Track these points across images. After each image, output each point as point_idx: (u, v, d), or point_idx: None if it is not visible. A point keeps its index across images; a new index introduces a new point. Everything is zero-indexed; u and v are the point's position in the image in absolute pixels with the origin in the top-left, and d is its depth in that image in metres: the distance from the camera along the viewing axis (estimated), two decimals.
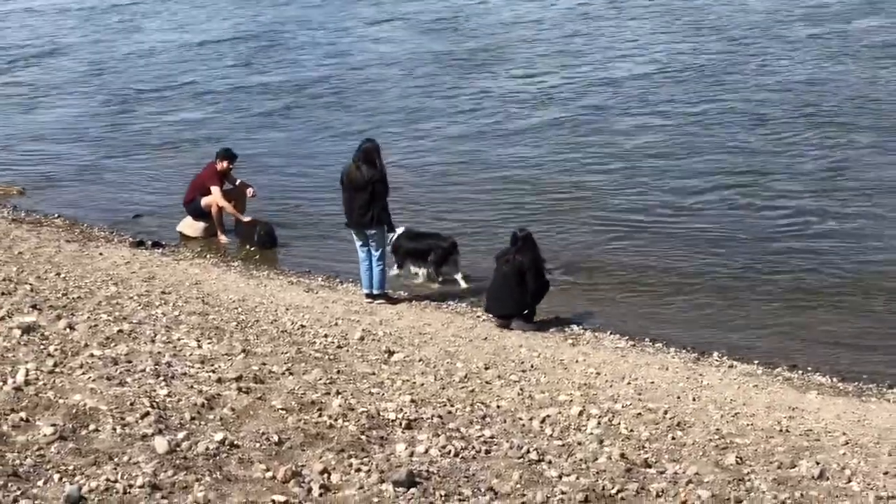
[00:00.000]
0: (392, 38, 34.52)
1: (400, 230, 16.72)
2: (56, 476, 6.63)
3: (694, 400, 11.47)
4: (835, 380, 13.08)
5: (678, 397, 11.52)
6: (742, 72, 27.62)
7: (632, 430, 9.78)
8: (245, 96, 28.81)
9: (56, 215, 19.95)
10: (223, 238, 19.07)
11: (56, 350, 9.45)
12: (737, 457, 9.09)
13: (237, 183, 19.33)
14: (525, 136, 23.75)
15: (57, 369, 8.81)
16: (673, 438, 9.68)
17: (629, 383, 12.00)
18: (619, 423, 9.98)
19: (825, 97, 24.83)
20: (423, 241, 16.83)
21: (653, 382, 12.14)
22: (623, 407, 10.71)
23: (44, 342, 9.71)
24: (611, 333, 14.62)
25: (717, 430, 10.15)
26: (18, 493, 6.32)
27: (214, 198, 18.86)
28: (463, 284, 16.62)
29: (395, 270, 16.87)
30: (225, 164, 19.12)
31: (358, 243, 15.68)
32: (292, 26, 36.93)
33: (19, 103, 29.61)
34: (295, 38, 35.38)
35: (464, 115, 25.70)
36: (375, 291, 15.68)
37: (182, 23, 38.80)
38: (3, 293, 12.05)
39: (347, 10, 38.90)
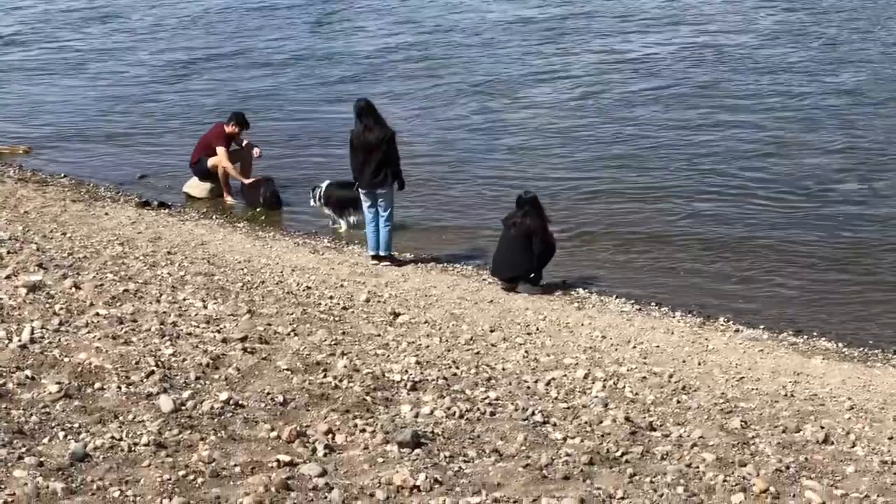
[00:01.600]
0: (466, 4, 33.78)
1: (326, 182, 17.52)
2: (61, 433, 6.64)
3: (699, 364, 11.47)
4: (840, 345, 13.07)
5: (683, 361, 11.52)
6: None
7: (637, 394, 9.78)
8: (309, 65, 28.08)
9: (62, 175, 19.95)
10: (229, 199, 19.04)
11: (62, 309, 9.45)
12: (741, 421, 9.09)
13: (244, 144, 19.28)
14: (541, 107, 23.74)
15: (62, 328, 8.81)
16: (678, 402, 9.68)
17: (634, 347, 12.00)
18: (624, 387, 9.98)
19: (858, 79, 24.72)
20: (349, 189, 16.90)
21: (658, 346, 12.14)
22: (628, 370, 10.71)
23: (49, 301, 9.70)
24: (616, 297, 14.61)
25: (722, 394, 10.16)
26: (24, 449, 6.32)
27: (220, 158, 18.82)
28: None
29: (332, 219, 17.85)
30: (235, 128, 19.06)
31: (366, 204, 15.65)
32: None
33: (52, 70, 29.16)
34: (359, 4, 34.62)
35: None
36: (382, 252, 15.67)
37: None
38: (9, 252, 12.02)
39: None
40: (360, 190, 15.69)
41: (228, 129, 19.04)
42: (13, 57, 30.63)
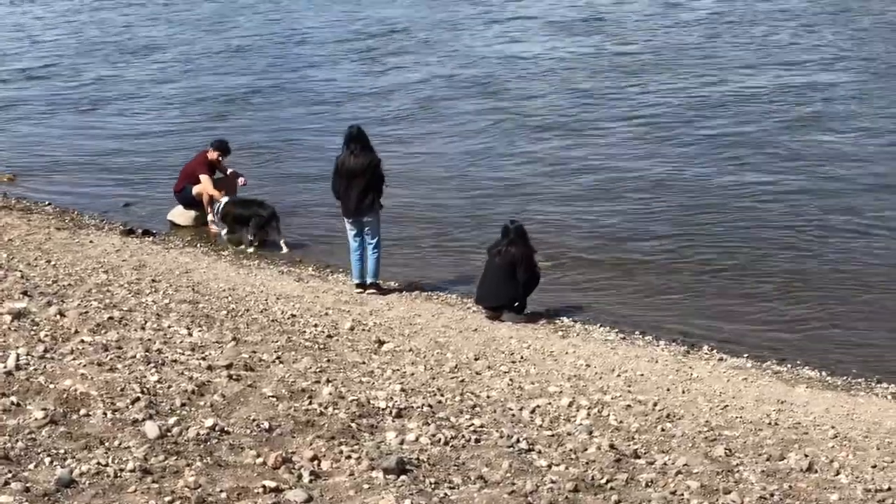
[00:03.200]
0: (518, 37, 33.35)
1: (225, 199, 18.51)
2: (47, 459, 6.62)
3: (683, 392, 11.50)
4: (824, 374, 13.10)
5: (668, 389, 11.55)
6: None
7: (621, 422, 9.81)
8: (358, 102, 27.39)
9: (47, 202, 19.96)
10: (214, 227, 19.04)
11: (47, 336, 9.44)
12: (726, 448, 9.11)
13: (228, 172, 19.32)
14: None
15: (48, 355, 8.80)
16: (662, 430, 9.70)
17: (619, 375, 12.03)
18: (609, 415, 10.01)
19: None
20: (248, 207, 18.17)
21: (642, 375, 12.17)
22: (612, 398, 10.73)
23: (34, 328, 9.70)
24: (601, 326, 14.64)
25: (707, 422, 10.19)
26: (10, 475, 6.31)
27: (204, 186, 18.85)
28: (285, 249, 17.90)
29: (224, 232, 18.52)
30: (216, 155, 19.12)
31: (352, 232, 15.62)
32: (403, 24, 35.60)
33: (58, 103, 28.96)
34: (410, 38, 33.97)
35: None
36: (369, 280, 15.67)
37: (278, 18, 37.70)
38: None
39: (458, 9, 37.37)
40: (344, 218, 15.65)
41: (210, 155, 19.09)
42: (25, 92, 30.27)
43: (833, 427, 10.45)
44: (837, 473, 8.86)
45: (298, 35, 35.40)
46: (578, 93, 26.79)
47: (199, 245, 18.11)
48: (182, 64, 32.56)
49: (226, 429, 7.60)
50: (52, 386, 7.91)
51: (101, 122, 26.65)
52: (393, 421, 8.54)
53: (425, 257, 17.40)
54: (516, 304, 14.94)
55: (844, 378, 12.97)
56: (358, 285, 15.68)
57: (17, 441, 6.81)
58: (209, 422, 7.60)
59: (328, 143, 21.72)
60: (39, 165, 22.84)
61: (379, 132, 22.62)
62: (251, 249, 17.99)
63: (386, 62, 31.07)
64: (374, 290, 15.63)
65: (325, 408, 8.50)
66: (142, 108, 27.86)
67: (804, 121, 23.49)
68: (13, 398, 7.52)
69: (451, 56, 31.09)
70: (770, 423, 10.41)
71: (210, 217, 18.91)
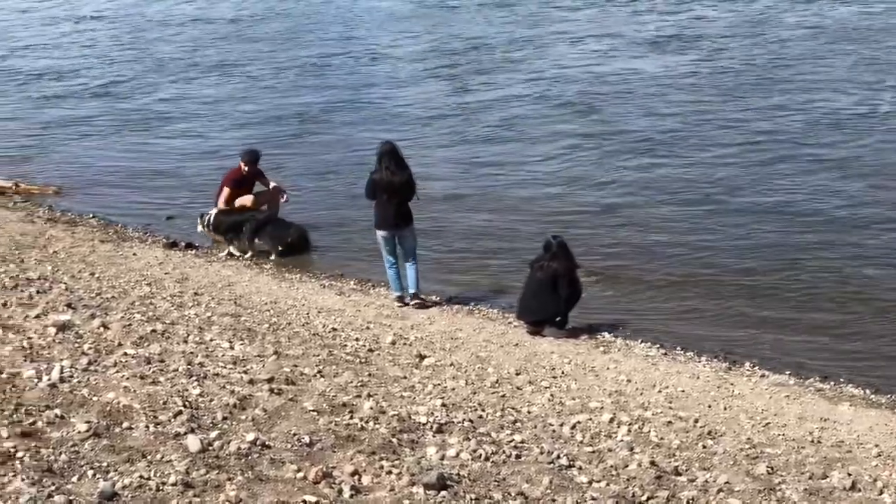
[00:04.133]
0: (606, 55, 31.66)
1: (214, 210, 18.85)
2: (90, 472, 6.67)
3: (725, 409, 11.43)
4: (868, 391, 12.97)
5: (709, 406, 11.48)
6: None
7: (662, 438, 9.77)
8: (452, 120, 26.26)
9: (91, 215, 20.09)
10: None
11: (90, 348, 9.51)
12: (768, 466, 9.06)
13: (271, 186, 19.36)
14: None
15: (91, 367, 8.87)
16: (703, 447, 9.66)
17: (660, 391, 11.97)
18: (650, 431, 9.97)
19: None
20: (242, 214, 18.63)
21: (683, 391, 12.11)
22: (653, 415, 10.69)
23: (78, 340, 9.77)
24: (642, 341, 14.57)
25: (748, 439, 10.12)
26: (53, 488, 6.36)
27: (222, 198, 18.92)
28: (272, 256, 18.31)
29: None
30: (244, 165, 19.14)
31: (386, 246, 15.75)
32: (484, 42, 34.11)
33: (117, 121, 28.35)
34: (492, 55, 32.51)
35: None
36: (412, 291, 15.77)
37: (354, 35, 36.43)
38: (38, 291, 12.13)
39: (540, 26, 35.68)
40: (379, 232, 15.77)
41: (241, 167, 19.16)
42: (91, 110, 29.49)
43: (877, 445, 10.36)
44: (881, 493, 8.79)
45: (375, 52, 34.20)
46: (670, 113, 25.59)
47: (240, 258, 18.18)
48: (254, 81, 31.73)
49: (267, 443, 7.63)
50: (95, 398, 7.97)
51: (159, 141, 26.24)
52: (434, 436, 8.54)
53: (469, 270, 17.38)
54: (558, 318, 14.91)
55: (889, 396, 12.83)
56: (398, 298, 15.75)
57: (60, 453, 6.87)
58: (250, 436, 7.63)
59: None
60: (86, 179, 22.92)
61: (464, 153, 22.86)
62: (248, 255, 18.39)
63: (468, 80, 29.95)
64: (418, 302, 15.71)
65: (366, 422, 8.52)
66: (207, 127, 27.21)
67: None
68: (57, 410, 7.58)
69: (536, 74, 29.89)
70: (813, 441, 10.33)
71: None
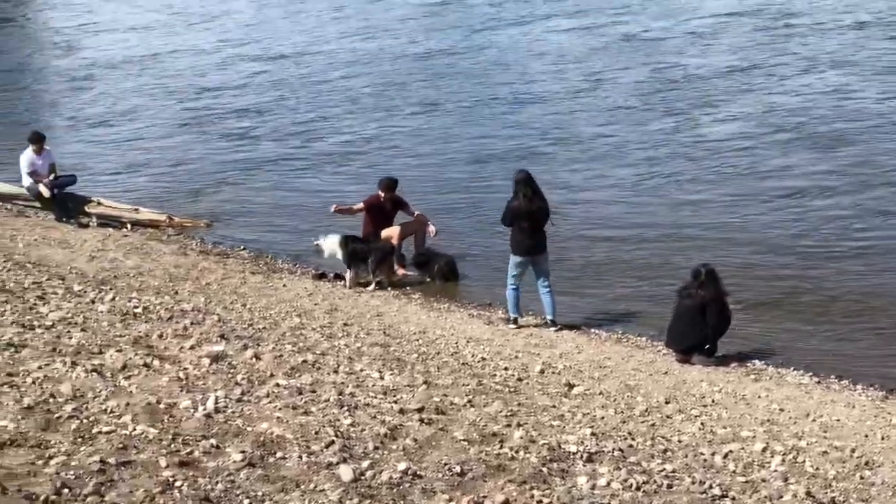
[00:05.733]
0: (844, 84, 28.89)
1: (335, 237, 18.69)
2: (246, 501, 6.77)
3: (882, 439, 11.18)
4: None
5: (866, 436, 11.25)
6: None
7: (817, 469, 9.60)
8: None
9: (241, 247, 20.42)
10: (401, 270, 19.23)
11: (243, 379, 9.65)
12: None
13: (416, 215, 19.46)
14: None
15: (244, 397, 9.00)
16: (861, 478, 9.47)
17: (814, 420, 11.76)
18: (805, 461, 9.80)
19: None
20: (363, 244, 18.63)
21: (839, 420, 11.88)
22: (808, 444, 10.51)
23: (231, 371, 9.93)
24: (794, 369, 14.35)
25: None
26: None
27: (391, 231, 19.09)
28: (372, 287, 18.37)
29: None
30: (382, 192, 19.27)
31: (518, 270, 16.16)
32: (703, 72, 31.38)
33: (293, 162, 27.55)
34: (714, 86, 29.92)
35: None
36: (549, 317, 16.15)
37: (563, 65, 33.83)
38: (192, 323, 12.35)
39: (763, 54, 32.51)
40: (516, 258, 16.10)
41: (379, 195, 19.29)
42: (276, 150, 28.31)
43: None
44: None
45: (591, 84, 31.55)
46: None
47: (389, 288, 18.32)
48: (454, 117, 29.88)
49: (418, 472, 7.66)
50: (249, 428, 8.09)
51: (324, 178, 25.55)
52: (584, 465, 8.50)
53: (619, 298, 17.32)
54: (707, 346, 14.77)
55: None
56: (513, 320, 16.16)
57: (217, 483, 6.98)
58: (402, 465, 7.67)
59: (622, 209, 21.54)
60: (238, 212, 23.18)
61: (693, 192, 22.06)
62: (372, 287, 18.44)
63: (693, 114, 27.65)
64: (556, 328, 15.98)
65: (517, 452, 8.51)
66: (373, 165, 25.57)
67: None
68: (213, 440, 7.71)
69: (768, 106, 27.62)
70: None
71: (399, 266, 19.12)
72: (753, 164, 23.55)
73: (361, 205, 19.29)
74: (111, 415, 8.02)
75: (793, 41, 33.36)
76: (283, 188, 24.78)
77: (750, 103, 28.08)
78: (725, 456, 9.63)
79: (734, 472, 9.16)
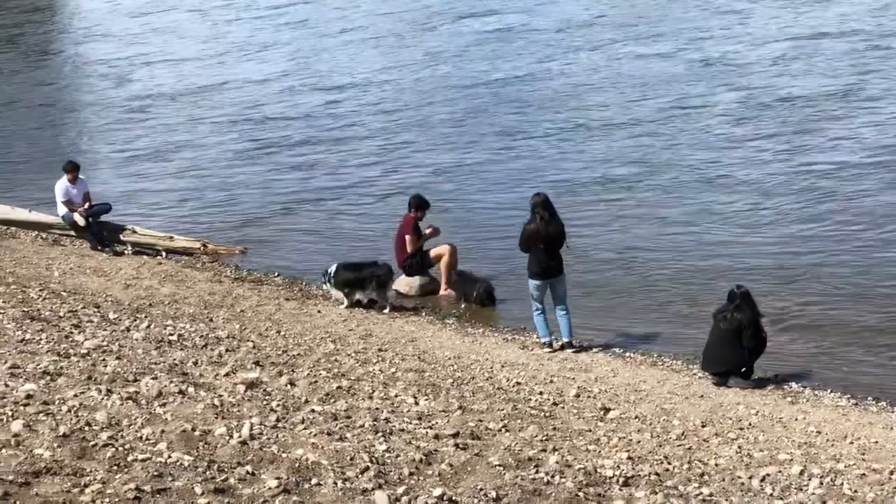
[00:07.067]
0: None
1: (335, 265, 18.57)
2: None
3: None
4: None
5: None
6: None
7: (856, 491, 9.53)
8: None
9: (276, 273, 20.44)
10: (444, 290, 19.26)
11: (278, 405, 9.67)
12: None
13: (428, 230, 19.53)
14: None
15: (280, 424, 9.01)
16: None
17: (852, 443, 11.68)
18: (843, 484, 9.74)
19: None
20: (362, 270, 18.47)
21: (877, 442, 11.79)
22: (846, 467, 10.44)
23: (266, 397, 9.95)
24: (831, 391, 14.27)
25: None
26: None
27: (409, 246, 19.12)
28: (387, 310, 18.26)
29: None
30: (415, 212, 19.32)
31: (538, 293, 16.20)
32: (802, 93, 29.07)
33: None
34: (816, 110, 27.68)
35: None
36: (566, 339, 16.17)
37: (649, 83, 32.29)
38: (227, 350, 12.40)
39: (871, 76, 29.92)
40: (534, 281, 16.15)
41: (413, 215, 19.35)
42: (311, 181, 27.28)
43: None
44: None
45: (678, 107, 29.55)
46: None
47: (423, 314, 18.31)
48: (536, 143, 28.11)
49: (454, 498, 7.66)
50: (284, 455, 8.10)
51: (369, 206, 24.78)
52: (620, 489, 8.48)
53: (654, 322, 17.25)
54: (743, 369, 14.69)
55: None
56: (548, 344, 16.12)
57: None
58: (437, 491, 7.67)
59: (657, 229, 21.28)
60: (273, 239, 23.11)
61: (784, 225, 21.13)
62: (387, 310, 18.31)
63: (793, 140, 25.72)
64: (573, 349, 16.05)
65: (552, 476, 8.49)
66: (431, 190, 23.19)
67: None
68: (248, 467, 7.72)
69: (855, 134, 25.70)
70: None
71: (444, 286, 19.24)
72: (793, 183, 23.11)
73: (410, 237, 19.39)
74: (146, 442, 8.04)
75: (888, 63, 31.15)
76: (320, 215, 24.62)
77: (838, 131, 26.20)
78: (763, 479, 9.58)
79: (771, 495, 9.12)
